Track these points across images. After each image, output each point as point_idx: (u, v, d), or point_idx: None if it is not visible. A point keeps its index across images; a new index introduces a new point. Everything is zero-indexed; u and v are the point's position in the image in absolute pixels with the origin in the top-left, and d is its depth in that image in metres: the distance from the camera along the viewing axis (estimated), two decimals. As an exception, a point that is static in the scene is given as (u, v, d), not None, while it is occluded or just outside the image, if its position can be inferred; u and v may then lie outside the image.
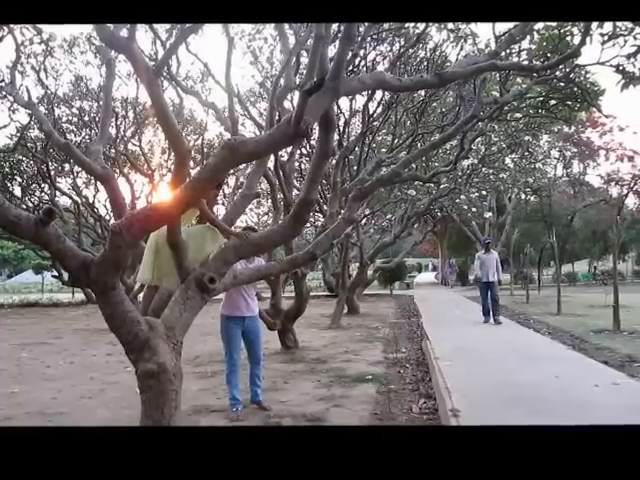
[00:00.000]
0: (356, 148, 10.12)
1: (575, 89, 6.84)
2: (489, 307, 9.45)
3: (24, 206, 15.66)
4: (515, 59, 6.65)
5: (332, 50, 4.52)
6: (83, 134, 14.42)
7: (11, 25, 5.75)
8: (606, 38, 5.05)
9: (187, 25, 3.52)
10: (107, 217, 15.85)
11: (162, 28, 7.70)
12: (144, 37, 9.56)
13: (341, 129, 10.97)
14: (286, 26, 6.29)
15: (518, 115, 9.07)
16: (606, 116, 13.34)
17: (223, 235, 3.60)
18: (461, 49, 8.22)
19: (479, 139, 10.68)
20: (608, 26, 5.02)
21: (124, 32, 3.23)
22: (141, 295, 15.22)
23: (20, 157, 15.49)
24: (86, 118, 14.09)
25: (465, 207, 19.11)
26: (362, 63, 9.10)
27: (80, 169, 14.29)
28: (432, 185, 12.63)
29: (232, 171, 14.71)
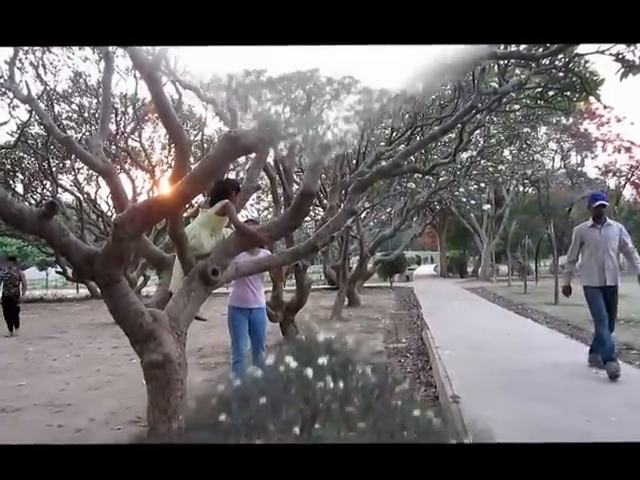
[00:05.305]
0: (355, 141, 10.13)
1: (574, 79, 6.82)
2: (607, 338, 4.70)
3: (27, 203, 15.70)
4: (514, 48, 6.62)
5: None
6: (83, 130, 14.43)
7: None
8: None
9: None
10: (109, 213, 15.90)
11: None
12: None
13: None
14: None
15: (516, 107, 9.06)
16: (605, 106, 13.31)
17: (245, 238, 3.33)
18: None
19: (478, 131, 10.68)
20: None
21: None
22: (144, 290, 15.28)
23: (21, 154, 15.51)
24: (86, 114, 14.09)
25: (464, 199, 19.11)
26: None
27: (81, 166, 14.34)
28: (431, 178, 12.66)
29: (232, 166, 14.75)
